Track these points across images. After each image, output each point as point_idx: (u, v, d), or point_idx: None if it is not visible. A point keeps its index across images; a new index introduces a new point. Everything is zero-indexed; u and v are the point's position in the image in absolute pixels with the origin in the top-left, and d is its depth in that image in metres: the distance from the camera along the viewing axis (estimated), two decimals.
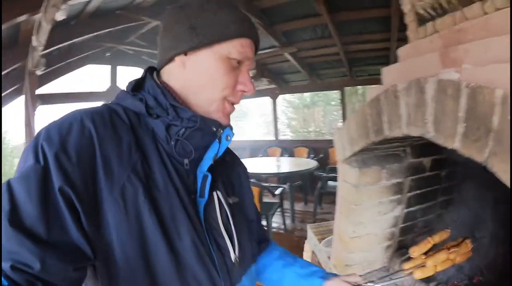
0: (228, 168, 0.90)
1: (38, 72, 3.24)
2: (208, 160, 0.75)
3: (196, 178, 0.73)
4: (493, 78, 0.79)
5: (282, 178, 4.96)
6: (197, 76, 0.72)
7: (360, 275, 1.03)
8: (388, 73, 1.44)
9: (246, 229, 0.87)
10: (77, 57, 4.58)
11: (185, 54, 0.71)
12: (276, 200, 4.20)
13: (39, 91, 3.97)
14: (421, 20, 1.27)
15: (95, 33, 3.78)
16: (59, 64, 4.41)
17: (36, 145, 0.56)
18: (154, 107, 0.70)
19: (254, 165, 5.07)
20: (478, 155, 0.75)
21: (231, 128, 0.79)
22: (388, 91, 1.12)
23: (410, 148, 1.52)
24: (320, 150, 6.35)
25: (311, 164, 4.98)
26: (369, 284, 0.96)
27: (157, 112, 0.70)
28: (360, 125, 1.37)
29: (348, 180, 1.55)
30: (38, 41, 2.50)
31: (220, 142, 0.76)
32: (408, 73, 1.25)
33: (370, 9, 3.86)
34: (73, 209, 0.55)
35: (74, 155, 0.57)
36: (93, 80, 5.76)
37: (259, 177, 4.89)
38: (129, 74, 5.92)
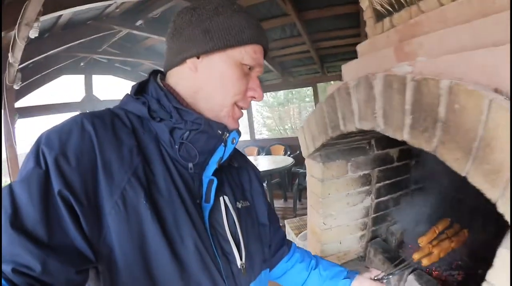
0: (239, 171, 0.89)
1: (15, 87, 3.25)
2: (213, 164, 0.73)
3: (201, 183, 0.72)
4: (446, 69, 0.82)
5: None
6: (209, 80, 0.71)
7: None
8: (347, 69, 1.48)
9: (257, 234, 0.85)
10: (52, 69, 4.54)
11: (198, 57, 0.69)
12: None
13: (16, 105, 3.93)
14: (379, 16, 1.31)
15: (69, 45, 3.77)
16: (35, 77, 4.37)
17: (37, 149, 0.56)
18: (157, 110, 0.69)
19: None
20: (427, 145, 0.78)
21: (238, 132, 0.77)
22: (340, 88, 1.15)
23: (375, 140, 1.58)
24: (296, 146, 6.35)
25: (288, 161, 5.02)
26: (390, 276, 1.03)
27: (161, 115, 0.69)
28: (319, 122, 1.41)
29: (314, 175, 1.60)
30: (14, 57, 2.53)
31: (225, 145, 0.74)
32: (366, 69, 1.29)
33: (338, 6, 3.91)
34: (73, 212, 0.55)
35: (73, 159, 0.57)
36: (69, 91, 5.69)
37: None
38: (103, 82, 5.96)
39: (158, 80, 0.74)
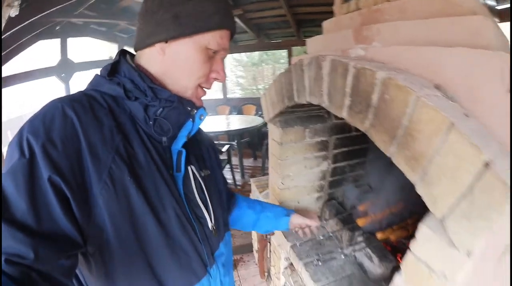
0: (200, 143, 0.95)
1: None
2: (182, 138, 0.79)
3: (171, 154, 0.77)
4: (395, 58, 0.88)
5: (231, 135, 5.06)
6: (176, 64, 0.74)
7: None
8: (312, 44, 1.53)
9: (218, 199, 0.93)
10: (28, 36, 4.26)
11: (166, 42, 0.72)
12: (224, 157, 4.35)
13: None
14: None
15: (47, 11, 3.51)
16: (12, 47, 4.09)
17: (20, 139, 0.57)
18: (132, 90, 0.72)
19: (204, 124, 5.08)
20: (361, 125, 0.86)
21: (204, 108, 0.83)
22: (296, 64, 1.21)
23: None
24: None
25: (259, 121, 5.09)
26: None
27: (136, 94, 0.72)
28: (278, 92, 1.47)
29: (274, 138, 1.68)
30: None
31: (193, 121, 0.80)
32: (327, 46, 1.36)
33: None
34: (63, 197, 0.57)
35: (59, 143, 0.58)
36: (45, 56, 5.37)
37: (209, 136, 4.96)
38: (79, 45, 5.63)
39: (129, 60, 0.77)
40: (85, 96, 0.68)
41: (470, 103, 0.69)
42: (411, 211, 1.49)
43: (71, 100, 0.65)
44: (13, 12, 2.02)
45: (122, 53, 0.79)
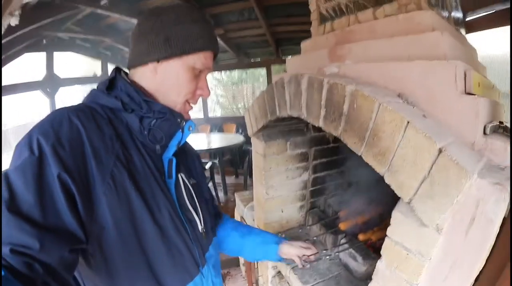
0: (186, 154, 1.00)
1: None
2: (172, 147, 0.85)
3: (162, 163, 0.83)
4: (364, 74, 1.01)
5: (212, 153, 5.09)
6: (166, 81, 0.81)
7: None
8: (291, 63, 1.67)
9: (205, 206, 0.97)
10: (16, 48, 4.22)
11: (158, 61, 0.79)
12: (206, 175, 4.34)
13: None
14: (323, 19, 1.47)
15: (37, 25, 3.59)
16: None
17: (30, 140, 0.61)
18: (129, 103, 0.78)
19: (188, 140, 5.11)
20: (335, 131, 0.98)
21: (192, 121, 0.89)
22: (277, 82, 1.33)
23: (312, 124, 1.78)
24: None
25: (240, 138, 5.13)
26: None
27: (132, 106, 0.78)
28: (261, 107, 1.58)
29: (258, 151, 1.77)
30: None
31: (183, 132, 0.86)
32: (305, 65, 1.48)
33: None
34: (69, 194, 0.60)
35: (67, 145, 0.63)
36: (30, 69, 5.26)
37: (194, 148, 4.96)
38: (64, 60, 5.58)
39: (125, 77, 0.84)
40: (87, 108, 0.73)
41: (428, 106, 0.83)
42: (390, 213, 1.59)
43: (75, 110, 0.70)
44: (14, 21, 2.02)
45: (117, 70, 0.85)
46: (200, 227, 0.88)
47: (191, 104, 0.89)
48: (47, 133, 0.62)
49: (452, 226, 0.71)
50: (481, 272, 0.74)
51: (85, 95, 0.82)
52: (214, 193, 4.69)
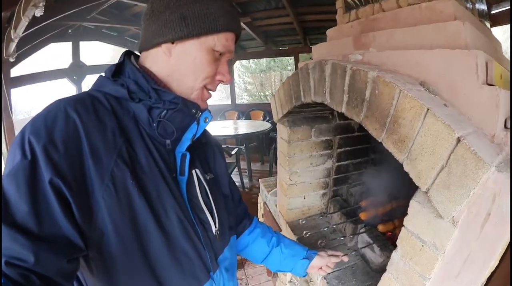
0: (205, 146, 0.92)
1: (11, 60, 3.30)
2: (186, 140, 0.77)
3: (175, 158, 0.75)
4: (387, 61, 1.00)
5: (239, 139, 5.16)
6: (182, 64, 0.72)
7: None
8: (316, 50, 1.67)
9: (223, 203, 0.90)
10: (42, 38, 4.42)
11: (172, 42, 0.71)
12: (232, 160, 4.44)
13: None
14: (348, 7, 1.46)
15: (61, 15, 3.68)
16: (25, 48, 4.24)
17: (22, 139, 0.56)
18: (136, 91, 0.70)
19: (212, 128, 5.19)
20: (357, 117, 0.98)
21: (209, 111, 0.81)
22: (302, 68, 1.33)
23: (337, 111, 1.76)
24: None
25: (266, 125, 5.18)
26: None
27: (140, 96, 0.70)
28: (286, 93, 1.59)
29: (283, 137, 1.78)
30: (16, 33, 2.53)
31: (198, 124, 0.77)
32: (331, 51, 1.49)
33: None
34: (64, 200, 0.55)
35: (61, 145, 0.57)
36: (56, 58, 5.47)
37: (218, 139, 5.05)
38: (90, 48, 5.75)
39: (134, 61, 0.75)
40: (89, 97, 0.67)
41: (449, 96, 0.81)
42: None
43: (74, 101, 0.63)
44: (38, 12, 2.07)
45: (127, 54, 0.77)
46: (214, 229, 0.81)
47: (210, 91, 0.80)
48: (39, 132, 0.56)
49: (468, 219, 0.70)
50: (494, 271, 0.73)
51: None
52: (240, 180, 4.81)
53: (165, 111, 0.71)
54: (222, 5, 0.73)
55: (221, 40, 0.73)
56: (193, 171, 0.80)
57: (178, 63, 0.73)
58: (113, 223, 0.61)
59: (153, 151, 0.70)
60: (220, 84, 0.81)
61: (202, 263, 0.75)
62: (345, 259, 1.18)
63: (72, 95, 0.66)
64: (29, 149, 0.55)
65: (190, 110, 0.75)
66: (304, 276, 1.15)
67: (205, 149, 0.93)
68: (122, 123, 0.68)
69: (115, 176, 0.62)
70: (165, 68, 0.74)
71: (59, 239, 0.54)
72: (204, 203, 0.80)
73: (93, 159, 0.60)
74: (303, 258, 1.13)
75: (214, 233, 0.80)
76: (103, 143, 0.62)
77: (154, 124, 0.71)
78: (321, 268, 1.16)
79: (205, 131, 0.91)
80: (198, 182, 0.80)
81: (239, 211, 1.11)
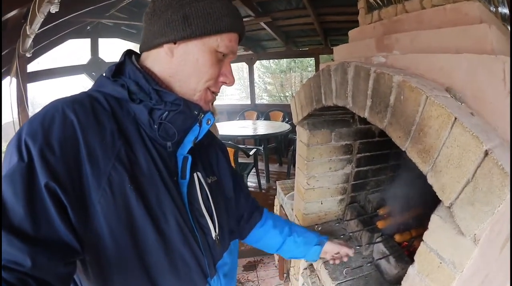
0: (207, 148, 0.91)
1: (28, 55, 3.37)
2: (188, 143, 0.76)
3: (176, 160, 0.74)
4: (411, 65, 0.96)
5: (258, 139, 5.15)
6: (185, 66, 0.71)
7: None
8: (338, 51, 1.63)
9: (224, 207, 0.89)
10: (59, 34, 4.52)
11: (175, 43, 0.70)
12: (250, 161, 4.41)
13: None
14: (370, 8, 1.43)
15: (79, 12, 3.73)
16: (43, 43, 4.36)
17: (19, 141, 0.55)
18: (137, 92, 0.69)
19: (231, 128, 5.23)
20: (380, 123, 0.94)
21: (211, 113, 0.79)
22: (324, 70, 1.30)
23: (358, 115, 1.72)
24: None
25: (285, 127, 5.14)
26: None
27: (140, 97, 0.69)
28: (307, 95, 1.55)
29: (302, 140, 1.75)
30: (32, 29, 2.57)
31: (200, 126, 0.76)
32: (353, 53, 1.45)
33: None
34: (60, 204, 0.55)
35: (57, 148, 0.56)
36: (74, 54, 5.60)
37: (236, 139, 5.10)
38: (109, 45, 5.86)
39: (135, 61, 0.74)
40: (88, 98, 0.65)
41: (475, 104, 0.77)
42: (429, 216, 1.52)
43: (72, 102, 0.62)
44: (54, 8, 2.08)
45: (128, 53, 0.76)
46: (213, 234, 0.80)
47: (213, 94, 0.79)
48: (35, 134, 0.56)
49: (489, 238, 0.66)
50: None
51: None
52: (257, 181, 4.77)
53: (166, 112, 0.70)
54: (225, 4, 0.72)
55: (224, 41, 0.72)
56: (195, 174, 0.79)
57: (180, 64, 0.72)
58: (109, 227, 0.61)
59: (153, 153, 0.69)
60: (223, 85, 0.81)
61: (199, 268, 0.75)
62: (350, 253, 1.24)
63: (71, 95, 0.66)
64: (26, 151, 0.54)
65: (192, 112, 0.74)
66: (315, 260, 1.21)
67: (208, 151, 0.92)
68: (122, 125, 0.67)
69: (112, 180, 0.61)
70: (167, 69, 0.73)
71: (56, 243, 0.54)
72: (205, 207, 0.79)
73: (90, 162, 0.59)
74: (315, 245, 1.17)
75: (214, 238, 0.80)
76: (101, 145, 0.61)
77: (155, 126, 0.70)
78: (333, 258, 1.21)
79: (208, 133, 0.89)
80: (199, 185, 0.79)
81: (249, 206, 1.12)
